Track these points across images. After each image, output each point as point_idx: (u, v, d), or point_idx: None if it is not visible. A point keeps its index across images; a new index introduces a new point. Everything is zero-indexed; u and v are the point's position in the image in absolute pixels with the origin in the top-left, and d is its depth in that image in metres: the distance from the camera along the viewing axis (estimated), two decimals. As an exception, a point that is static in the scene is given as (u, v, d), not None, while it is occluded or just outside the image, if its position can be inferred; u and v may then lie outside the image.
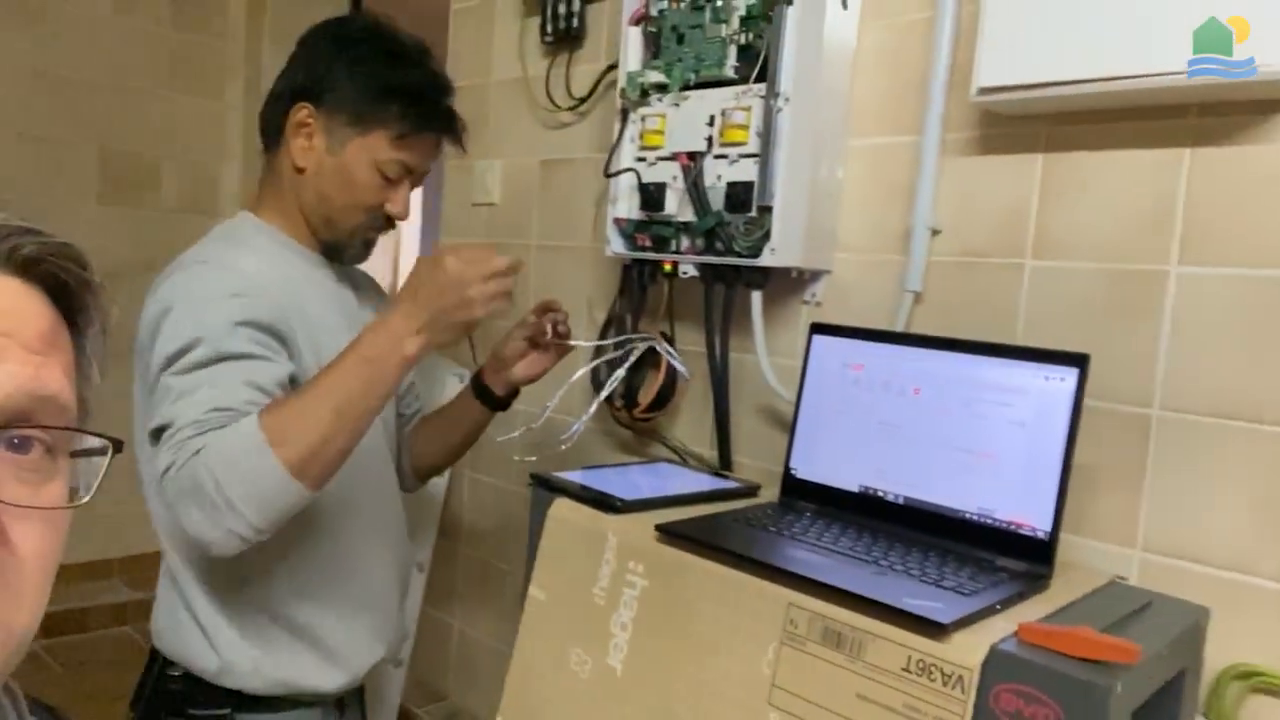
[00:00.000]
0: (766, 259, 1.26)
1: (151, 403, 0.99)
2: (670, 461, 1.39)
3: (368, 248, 1.24)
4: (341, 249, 1.20)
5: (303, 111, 1.12)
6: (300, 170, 1.14)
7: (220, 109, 3.01)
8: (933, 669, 0.78)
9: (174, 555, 1.10)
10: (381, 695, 1.96)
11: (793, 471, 1.15)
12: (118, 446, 0.52)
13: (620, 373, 1.26)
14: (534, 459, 1.44)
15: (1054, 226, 1.16)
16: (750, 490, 1.22)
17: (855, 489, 1.09)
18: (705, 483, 1.24)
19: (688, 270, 1.38)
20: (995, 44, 1.06)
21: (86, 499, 0.51)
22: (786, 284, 1.39)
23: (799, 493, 1.14)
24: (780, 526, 1.03)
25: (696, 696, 0.92)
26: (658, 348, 1.26)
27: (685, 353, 1.54)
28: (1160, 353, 1.08)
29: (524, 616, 1.11)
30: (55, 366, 0.49)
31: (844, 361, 1.13)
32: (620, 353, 1.45)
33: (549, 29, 1.76)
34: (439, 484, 1.96)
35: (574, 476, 1.17)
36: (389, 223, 1.21)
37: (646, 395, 1.52)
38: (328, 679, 1.13)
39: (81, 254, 0.52)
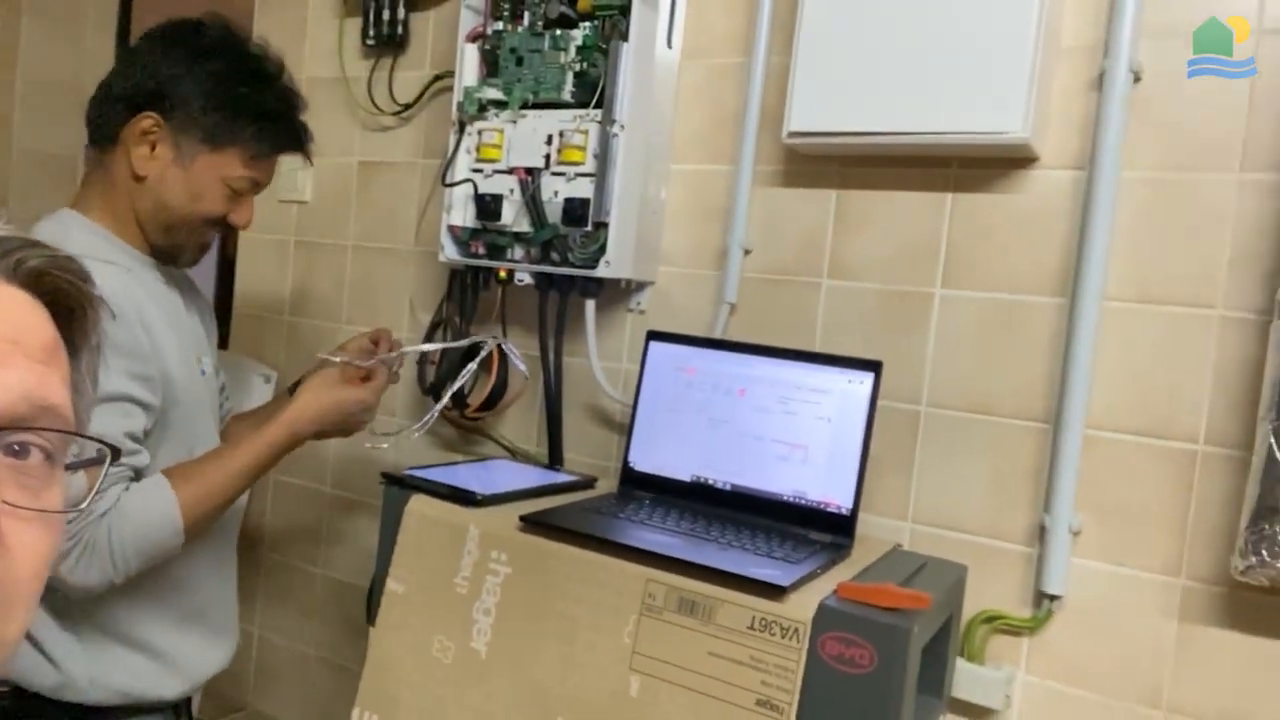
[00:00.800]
0: (602, 270, 1.38)
1: None
2: (501, 458, 1.46)
3: (203, 251, 1.23)
4: (177, 255, 1.18)
5: (148, 121, 1.10)
6: (140, 179, 1.11)
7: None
8: (773, 625, 0.94)
9: None
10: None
11: (631, 465, 1.28)
12: (115, 454, 0.54)
13: (469, 369, 1.33)
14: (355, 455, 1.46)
15: (846, 251, 1.37)
16: (588, 482, 1.34)
17: (688, 479, 1.24)
18: (543, 476, 1.33)
19: (523, 279, 1.47)
20: (803, 96, 1.25)
21: (86, 504, 0.54)
22: (615, 293, 1.52)
23: (636, 483, 1.27)
24: (627, 513, 1.16)
25: (563, 670, 1.02)
26: (504, 347, 1.34)
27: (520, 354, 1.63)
28: (927, 359, 1.31)
29: (381, 610, 1.15)
30: (56, 378, 0.50)
31: (677, 365, 1.27)
32: (452, 354, 1.51)
33: (371, 32, 1.77)
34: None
35: (426, 474, 1.23)
36: (228, 229, 1.21)
37: (478, 396, 1.59)
38: (167, 688, 1.12)
39: (83, 268, 0.54)
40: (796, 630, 0.93)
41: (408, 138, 1.79)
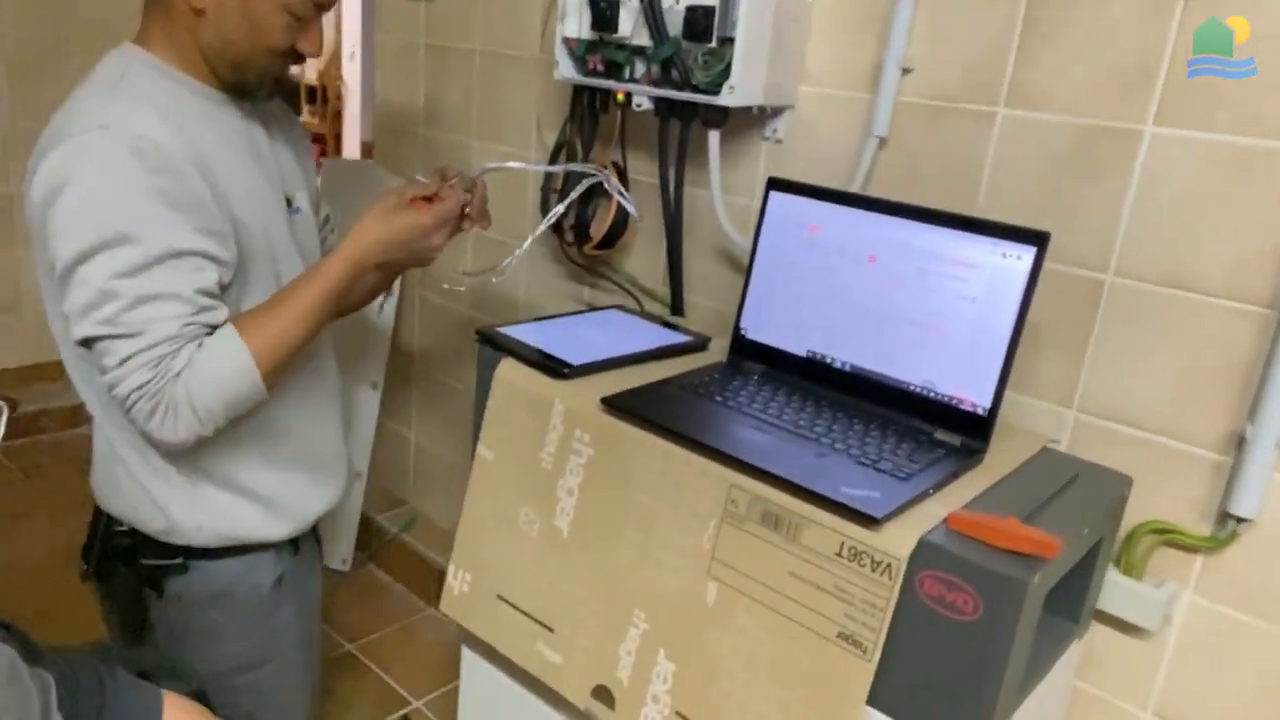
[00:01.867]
0: (726, 98, 1.18)
1: (67, 295, 0.94)
2: (621, 308, 1.36)
3: (279, 85, 1.14)
4: (251, 92, 1.09)
5: None
6: (199, 12, 1.01)
7: None
8: (863, 555, 0.82)
9: (110, 427, 1.08)
10: (342, 507, 2.04)
11: (742, 332, 1.14)
12: (11, 406, 0.50)
13: (560, 208, 1.20)
14: (469, 284, 1.40)
15: (1031, 72, 1.09)
16: (700, 344, 1.22)
17: (803, 354, 1.09)
18: (656, 336, 1.22)
19: (641, 103, 1.30)
20: None
21: None
22: (747, 119, 1.31)
23: (747, 353, 1.14)
24: (726, 395, 1.04)
25: (640, 563, 0.96)
26: (606, 185, 1.20)
27: (639, 184, 1.48)
28: (1122, 217, 1.05)
29: (473, 473, 1.13)
30: None
31: (800, 221, 1.09)
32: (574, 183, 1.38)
33: None
34: (389, 306, 1.93)
35: (522, 333, 1.15)
36: (300, 59, 1.10)
37: (598, 230, 1.47)
38: (273, 530, 1.15)
39: None
40: (889, 566, 0.80)
41: (531, -75, 1.58)
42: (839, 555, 0.83)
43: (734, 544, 0.90)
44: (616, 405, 0.99)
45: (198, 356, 0.97)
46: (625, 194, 1.23)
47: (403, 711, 1.71)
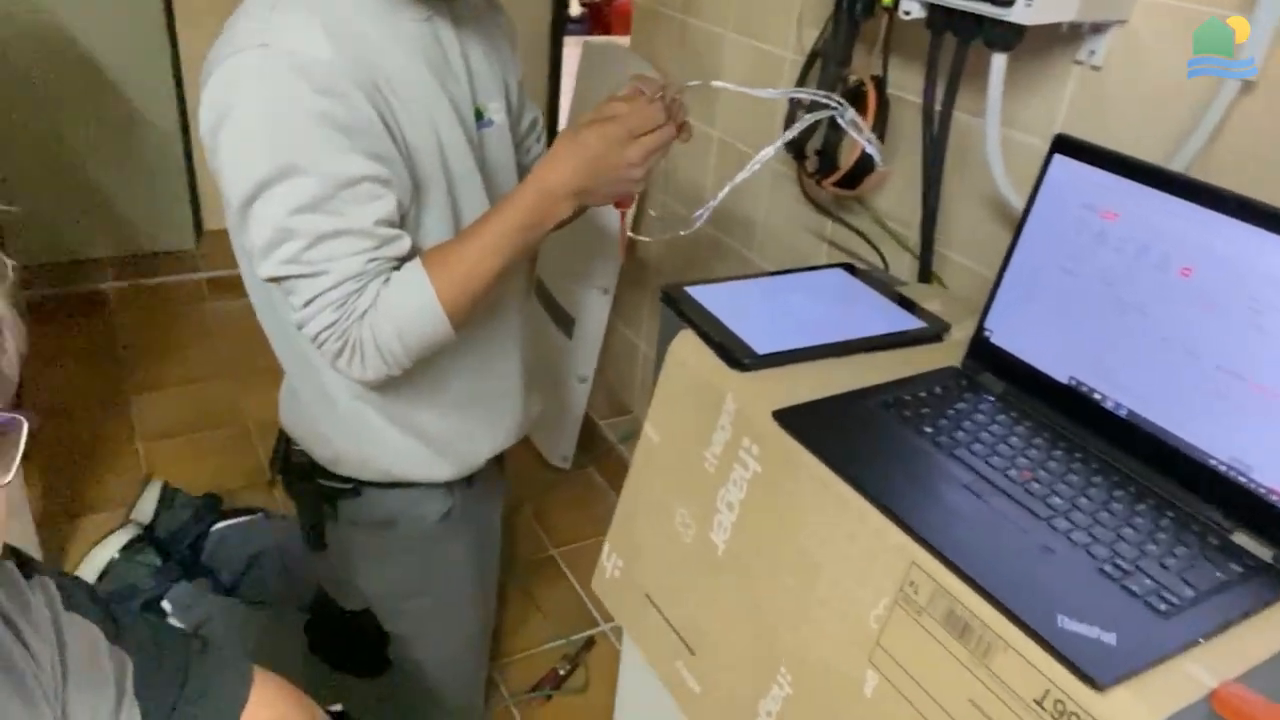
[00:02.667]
0: (1019, 13, 0.87)
1: (245, 233, 0.89)
2: (850, 268, 1.10)
3: None
4: None
5: None
6: None
7: None
8: (1072, 717, 0.59)
9: (286, 357, 1.07)
10: (566, 407, 2.01)
11: (986, 333, 0.88)
12: (32, 421, 0.47)
13: (767, 152, 0.96)
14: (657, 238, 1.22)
15: None
16: (934, 333, 0.96)
17: (1064, 380, 0.81)
18: (881, 316, 0.99)
19: (910, 10, 1.01)
20: None
21: (8, 480, 0.46)
22: (1051, 36, 0.99)
23: (988, 362, 0.88)
24: (943, 425, 0.80)
25: (795, 617, 0.79)
26: (841, 121, 0.95)
27: (901, 103, 1.20)
28: None
29: (636, 452, 0.99)
30: None
31: (1091, 201, 0.79)
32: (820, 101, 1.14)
33: None
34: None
35: (713, 297, 0.97)
36: None
37: (846, 161, 1.22)
38: (437, 471, 1.10)
39: None
40: (1109, 744, 0.57)
41: None
42: (1040, 705, 0.60)
43: (906, 636, 0.70)
44: (791, 422, 0.79)
45: (383, 295, 0.91)
46: (869, 134, 0.98)
47: (589, 633, 1.69)
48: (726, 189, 0.95)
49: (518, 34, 1.15)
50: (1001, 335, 0.87)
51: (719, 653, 0.88)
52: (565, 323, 1.98)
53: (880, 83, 1.19)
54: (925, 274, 1.17)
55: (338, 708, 1.32)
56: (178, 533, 1.63)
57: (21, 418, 0.47)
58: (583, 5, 5.68)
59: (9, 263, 0.51)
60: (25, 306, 2.43)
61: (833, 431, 0.79)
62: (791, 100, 1.28)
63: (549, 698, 1.57)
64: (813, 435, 0.78)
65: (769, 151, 0.94)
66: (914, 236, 1.22)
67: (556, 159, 0.94)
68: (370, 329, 0.91)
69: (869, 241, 1.25)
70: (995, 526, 0.70)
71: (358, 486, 1.11)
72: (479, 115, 1.05)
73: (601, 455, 2.09)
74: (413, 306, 0.92)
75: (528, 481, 2.03)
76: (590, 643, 1.67)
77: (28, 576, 0.62)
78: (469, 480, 1.18)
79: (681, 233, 1.04)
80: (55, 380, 2.27)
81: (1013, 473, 0.75)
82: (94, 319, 2.57)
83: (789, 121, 1.30)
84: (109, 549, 1.50)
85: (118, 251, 2.76)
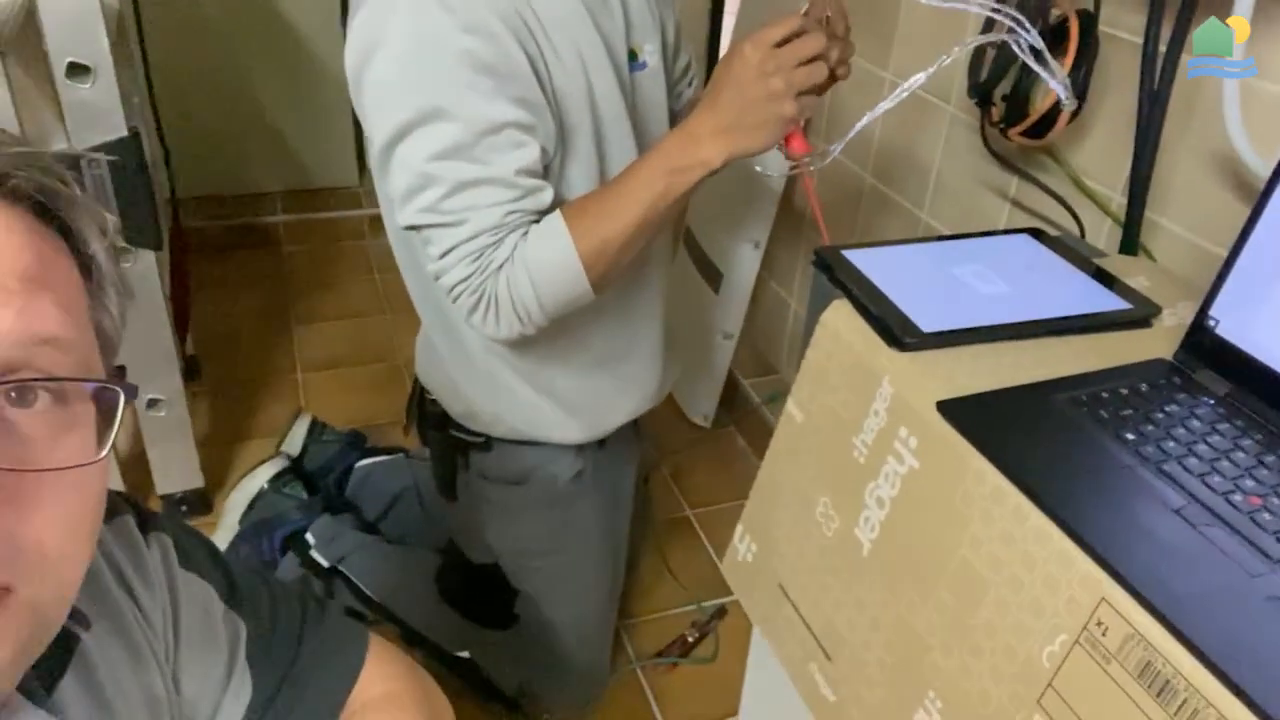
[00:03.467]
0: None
1: (386, 178, 0.86)
2: (1037, 234, 0.96)
3: None
4: None
5: None
6: None
7: None
8: (1307, 821, 0.47)
9: (424, 310, 1.04)
10: (709, 364, 1.94)
11: (1209, 323, 0.73)
12: (130, 392, 0.44)
13: (919, 78, 0.83)
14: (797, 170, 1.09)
15: None
16: (1143, 316, 0.82)
17: (1310, 386, 0.66)
18: (1074, 293, 0.85)
19: (1138, -73, 0.85)
20: None
21: (103, 454, 0.44)
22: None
23: (1210, 358, 0.73)
24: (1149, 431, 0.67)
25: (950, 639, 0.69)
26: (1015, 49, 0.80)
27: (1113, 42, 1.03)
28: None
29: (777, 430, 0.90)
30: (45, 301, 0.41)
31: (1369, 164, 0.63)
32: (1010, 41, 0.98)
33: None
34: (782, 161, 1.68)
35: (873, 262, 0.86)
36: None
37: (1040, 107, 1.06)
38: (569, 434, 1.06)
39: (55, 164, 0.44)
40: None
41: None
42: (1258, 792, 0.49)
43: (1085, 681, 0.59)
44: (959, 415, 0.68)
45: (522, 250, 0.86)
46: (1053, 67, 0.83)
47: (720, 601, 1.63)
48: (865, 119, 0.85)
49: None
50: (1228, 327, 0.72)
51: (859, 663, 0.79)
52: (713, 276, 1.89)
53: (1088, 18, 1.02)
54: (1130, 245, 1.01)
55: (465, 654, 1.33)
56: (324, 467, 1.67)
57: (119, 390, 0.44)
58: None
59: (111, 217, 0.48)
60: (201, 237, 2.57)
61: (1010, 430, 0.67)
62: (986, 27, 1.13)
63: (675, 664, 1.52)
64: (985, 433, 0.67)
65: (920, 78, 0.82)
66: (1118, 199, 1.05)
67: (707, 92, 0.86)
68: (506, 284, 0.87)
69: (1063, 203, 1.09)
70: (1212, 565, 0.57)
71: (489, 440, 1.08)
72: (632, 56, 0.97)
73: (744, 416, 2.01)
74: (550, 261, 0.87)
75: (666, 439, 1.98)
76: (722, 611, 1.61)
77: (145, 532, 0.61)
78: (600, 442, 1.13)
79: (811, 168, 0.93)
80: (226, 308, 2.38)
81: (1237, 497, 0.61)
82: (263, 251, 2.69)
83: (972, 66, 1.16)
84: (258, 479, 1.55)
85: (286, 185, 2.86)
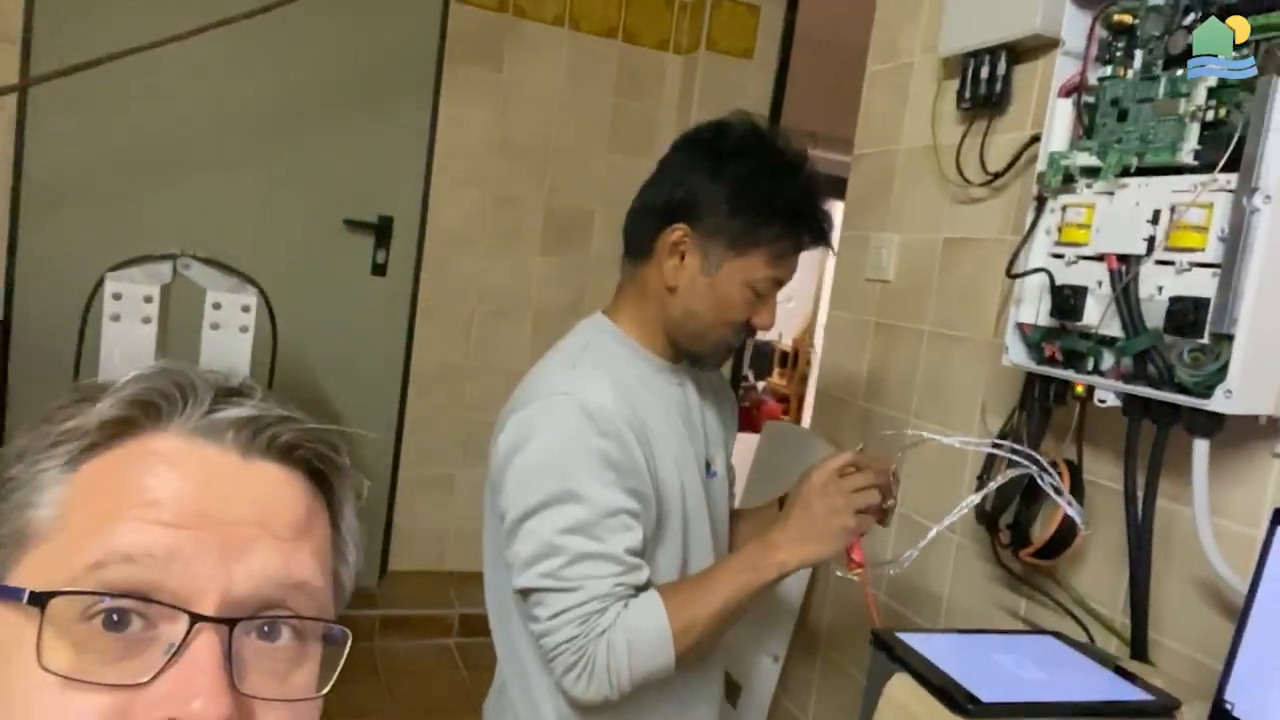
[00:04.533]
0: (1220, 403, 0.96)
1: (512, 545, 1.03)
2: (1059, 636, 1.12)
3: (729, 353, 1.19)
4: (704, 360, 1.17)
5: (678, 232, 1.10)
6: (672, 290, 1.11)
7: (649, 165, 3.21)
8: None
9: (507, 669, 1.14)
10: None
11: (1227, 707, 0.85)
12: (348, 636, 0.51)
13: (973, 499, 1.04)
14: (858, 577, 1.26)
15: None
16: (1162, 707, 0.94)
17: (1327, 761, 0.77)
18: (1102, 684, 0.97)
19: (1106, 399, 1.12)
20: None
21: (324, 691, 0.51)
22: (1250, 429, 1.06)
23: (1235, 738, 0.84)
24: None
25: None
26: (1039, 481, 1.02)
27: (1096, 488, 1.26)
28: None
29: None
30: (305, 552, 0.49)
31: (1325, 572, 0.81)
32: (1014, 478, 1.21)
33: (967, 93, 1.56)
34: (801, 577, 1.84)
35: (927, 645, 0.99)
36: (752, 332, 1.15)
37: (1042, 533, 1.27)
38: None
39: (335, 438, 0.54)
40: None
41: (997, 211, 1.53)
42: None
43: None
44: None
45: (623, 618, 1.00)
46: (1068, 496, 1.04)
47: None
48: (934, 530, 1.02)
49: (737, 411, 1.34)
50: (1245, 710, 0.84)
51: None
52: (731, 690, 1.94)
53: (1074, 468, 1.26)
54: (1139, 655, 1.14)
55: None
56: None
57: (348, 631, 0.51)
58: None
59: (366, 482, 0.58)
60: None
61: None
62: (986, 470, 1.37)
63: None
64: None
65: (975, 498, 1.02)
66: (1118, 619, 1.21)
67: (785, 508, 1.06)
68: (606, 647, 0.99)
69: (1074, 617, 1.24)
70: None
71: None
72: (708, 466, 1.19)
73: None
74: (647, 630, 1.00)
75: None
76: None
77: None
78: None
79: (891, 571, 1.09)
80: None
81: None
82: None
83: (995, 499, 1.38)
84: None
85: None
